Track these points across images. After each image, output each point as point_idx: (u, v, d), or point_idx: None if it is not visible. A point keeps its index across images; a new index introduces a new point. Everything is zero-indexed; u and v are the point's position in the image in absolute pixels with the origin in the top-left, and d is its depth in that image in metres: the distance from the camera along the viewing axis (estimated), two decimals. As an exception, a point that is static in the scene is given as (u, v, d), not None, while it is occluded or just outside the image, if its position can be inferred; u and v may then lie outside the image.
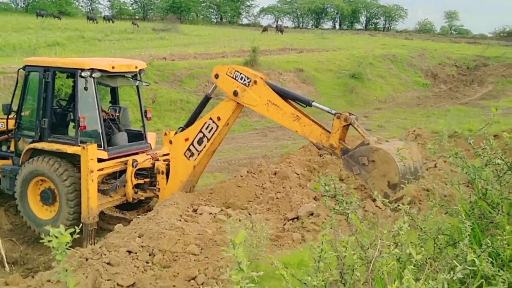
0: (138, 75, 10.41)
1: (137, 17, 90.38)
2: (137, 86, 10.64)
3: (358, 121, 7.87)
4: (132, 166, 9.75)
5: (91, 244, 9.08)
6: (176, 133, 9.68)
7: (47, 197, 9.52)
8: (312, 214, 7.18)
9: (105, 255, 5.80)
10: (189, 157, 9.23)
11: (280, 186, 8.80)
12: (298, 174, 9.36)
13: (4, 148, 10.87)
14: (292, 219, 7.21)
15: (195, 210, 7.80)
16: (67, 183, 9.15)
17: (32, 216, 9.66)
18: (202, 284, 5.33)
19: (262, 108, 8.54)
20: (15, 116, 10.31)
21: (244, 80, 8.65)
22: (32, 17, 66.31)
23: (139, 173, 9.92)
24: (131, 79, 10.38)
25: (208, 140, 9.02)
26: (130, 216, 10.81)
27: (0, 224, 10.50)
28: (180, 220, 7.12)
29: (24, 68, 10.03)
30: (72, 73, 9.65)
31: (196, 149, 9.16)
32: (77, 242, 9.28)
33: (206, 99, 9.61)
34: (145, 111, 10.80)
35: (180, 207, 7.68)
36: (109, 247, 6.07)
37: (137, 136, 10.62)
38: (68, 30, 51.33)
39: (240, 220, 5.41)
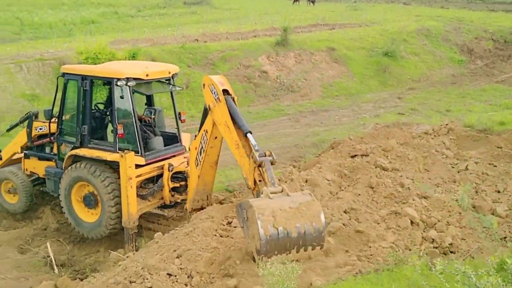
0: (172, 80, 10.70)
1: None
2: (171, 91, 10.94)
3: (274, 164, 7.58)
4: (168, 170, 10.18)
5: (132, 247, 9.65)
6: (193, 139, 9.95)
7: (90, 201, 10.05)
8: (333, 233, 7.41)
9: (147, 279, 6.24)
10: (197, 166, 9.53)
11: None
12: (329, 181, 9.57)
13: (47, 150, 11.44)
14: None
15: (229, 223, 8.16)
16: (108, 189, 9.64)
17: (77, 219, 10.23)
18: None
19: (222, 128, 8.54)
20: (56, 120, 10.79)
21: (216, 95, 8.69)
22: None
23: (175, 177, 10.33)
24: (165, 85, 10.69)
25: (205, 151, 9.23)
26: (168, 213, 11.31)
27: (47, 223, 11.17)
28: (215, 235, 7.48)
29: (63, 75, 10.44)
30: (108, 81, 10.03)
31: (199, 160, 9.43)
32: (119, 244, 9.88)
33: (206, 111, 9.34)
34: (179, 114, 11.13)
35: (215, 220, 8.04)
36: (151, 269, 6.49)
37: (172, 139, 11.00)
38: (102, 6, 51.81)
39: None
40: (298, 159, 14.98)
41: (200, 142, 9.29)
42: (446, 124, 12.66)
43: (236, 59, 25.11)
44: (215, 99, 8.68)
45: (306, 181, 9.34)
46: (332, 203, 8.22)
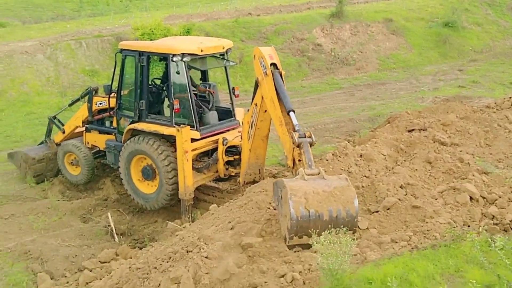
0: (226, 55, 10.75)
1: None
2: (225, 66, 11.00)
3: (314, 145, 7.48)
4: (223, 144, 10.31)
5: (188, 218, 9.91)
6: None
7: (148, 174, 10.35)
8: (388, 209, 7.31)
9: (203, 249, 6.40)
10: (248, 139, 9.59)
11: (366, 169, 8.94)
12: (384, 156, 9.42)
13: (107, 123, 11.83)
14: (374, 212, 7.40)
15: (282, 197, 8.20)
16: (165, 162, 9.89)
17: (136, 190, 10.57)
18: (291, 281, 5.76)
19: (268, 102, 8.51)
20: (115, 96, 11.11)
21: (264, 68, 8.66)
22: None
23: (229, 151, 10.47)
24: (219, 60, 10.76)
25: (255, 125, 9.24)
26: (222, 186, 11.52)
27: (108, 194, 11.63)
28: (269, 208, 7.56)
29: (121, 51, 10.69)
30: (164, 57, 10.19)
31: (250, 134, 9.48)
32: (176, 215, 10.17)
33: (257, 84, 9.29)
34: (233, 88, 11.19)
35: (269, 194, 8.09)
36: (206, 239, 6.66)
37: (226, 114, 11.11)
38: (157, -19, 52.32)
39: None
40: (353, 134, 14.82)
41: (251, 116, 9.34)
42: (510, 97, 12.10)
43: (289, 32, 24.84)
44: (264, 73, 8.66)
45: (361, 156, 9.22)
46: (387, 178, 8.08)
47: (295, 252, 6.36)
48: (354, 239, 6.02)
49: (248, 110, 9.74)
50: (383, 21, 27.51)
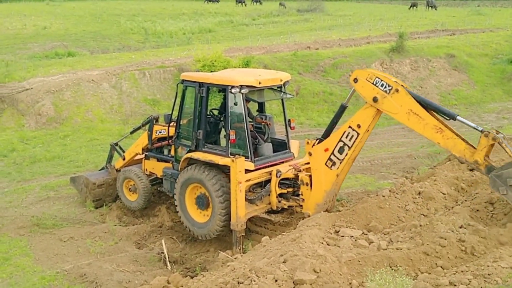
0: (283, 87, 10.84)
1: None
2: (282, 99, 11.08)
3: (506, 140, 7.77)
4: (276, 176, 10.29)
5: (239, 250, 9.89)
6: (314, 144, 9.97)
7: (202, 202, 10.46)
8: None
9: (254, 281, 6.34)
10: (331, 166, 9.56)
11: (424, 207, 8.66)
12: (444, 194, 9.09)
13: (165, 152, 12.13)
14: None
15: (337, 232, 8.06)
16: (219, 192, 9.97)
17: (189, 218, 10.68)
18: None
19: (403, 117, 8.71)
20: (174, 125, 11.40)
21: (385, 87, 8.81)
22: (190, 2, 70.85)
23: (282, 183, 10.42)
24: (277, 92, 10.85)
25: (350, 148, 9.29)
26: (274, 218, 11.45)
27: (163, 221, 11.82)
28: (322, 243, 7.43)
29: (182, 82, 11.00)
30: (223, 89, 10.39)
31: (338, 158, 9.46)
32: (227, 245, 10.18)
33: (343, 108, 9.83)
34: (289, 121, 11.22)
35: (322, 228, 7.98)
36: (258, 272, 6.60)
37: (281, 145, 11.12)
38: (219, 15, 54.05)
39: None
40: (411, 171, 14.43)
41: (340, 140, 9.37)
42: None
43: (347, 66, 24.83)
44: (385, 91, 8.78)
45: (419, 193, 8.95)
46: (446, 218, 7.77)
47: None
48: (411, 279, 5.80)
49: (315, 140, 9.83)
50: (445, 56, 27.06)
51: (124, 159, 12.92)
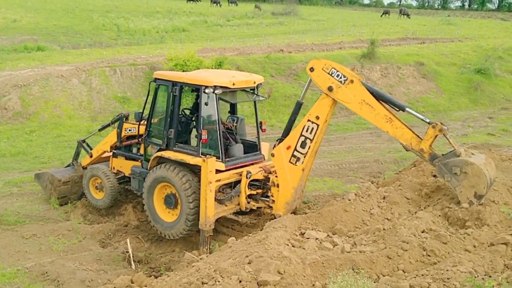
0: (256, 89, 10.89)
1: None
2: (254, 101, 11.12)
3: (449, 132, 8.76)
4: (246, 177, 10.32)
5: (206, 250, 9.88)
6: (274, 146, 10.17)
7: (170, 202, 10.41)
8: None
9: (218, 281, 6.36)
10: (296, 162, 9.86)
11: (388, 212, 8.80)
12: (408, 199, 9.27)
13: (134, 150, 12.01)
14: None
15: (302, 234, 8.14)
16: (188, 192, 9.94)
17: (156, 218, 10.61)
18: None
19: (356, 106, 9.26)
20: (145, 123, 11.31)
21: (341, 77, 9.30)
22: (165, 1, 70.34)
23: (252, 184, 10.47)
24: (249, 94, 10.89)
25: (312, 140, 9.67)
26: (242, 219, 11.49)
27: (128, 220, 11.70)
28: (287, 245, 7.49)
29: (154, 80, 10.92)
30: (197, 89, 10.38)
31: (301, 153, 9.80)
32: (193, 246, 10.15)
33: (299, 105, 10.23)
34: (261, 123, 11.28)
35: (288, 230, 8.04)
36: (223, 272, 6.61)
37: (252, 147, 11.17)
38: (193, 15, 53.84)
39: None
40: (378, 175, 14.67)
41: (301, 135, 9.68)
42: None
43: (320, 71, 25.00)
44: (340, 81, 9.24)
45: (384, 198, 9.11)
46: (409, 223, 7.93)
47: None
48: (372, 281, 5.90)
49: (277, 141, 10.08)
50: (415, 64, 27.59)
51: (91, 156, 12.75)
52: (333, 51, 28.43)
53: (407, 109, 9.07)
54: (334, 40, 32.89)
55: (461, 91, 26.20)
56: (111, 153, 12.28)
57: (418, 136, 8.86)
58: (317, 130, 9.57)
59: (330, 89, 9.34)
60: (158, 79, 10.81)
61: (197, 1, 68.50)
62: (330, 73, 9.39)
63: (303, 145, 9.71)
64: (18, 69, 21.72)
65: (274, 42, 31.86)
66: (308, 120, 9.63)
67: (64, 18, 45.07)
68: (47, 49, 30.28)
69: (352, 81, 9.19)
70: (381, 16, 58.66)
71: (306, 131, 9.66)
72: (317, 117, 9.54)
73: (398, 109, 9.18)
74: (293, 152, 9.80)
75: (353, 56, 27.14)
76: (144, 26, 43.23)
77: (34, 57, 25.06)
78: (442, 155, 8.68)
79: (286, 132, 10.17)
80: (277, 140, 10.25)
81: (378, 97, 9.20)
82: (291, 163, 9.86)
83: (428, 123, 8.73)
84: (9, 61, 23.37)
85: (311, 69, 9.63)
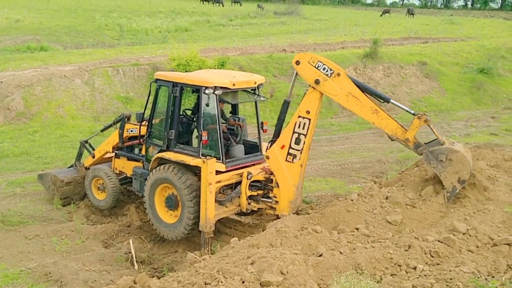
0: (257, 90, 10.88)
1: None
2: (255, 101, 11.11)
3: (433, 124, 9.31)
4: (247, 178, 10.30)
5: (207, 251, 9.87)
6: (267, 148, 10.17)
7: (171, 203, 10.40)
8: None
9: (221, 282, 6.34)
10: (293, 160, 9.89)
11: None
12: (411, 199, 9.24)
13: (136, 151, 12.02)
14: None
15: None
16: (189, 193, 9.92)
17: (158, 218, 10.60)
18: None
19: (342, 99, 9.46)
20: (146, 124, 11.32)
21: (327, 70, 9.43)
22: (168, 1, 70.33)
23: (253, 185, 10.45)
24: (250, 94, 10.88)
25: (305, 136, 9.74)
26: (244, 220, 11.49)
27: (131, 220, 11.71)
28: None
29: (155, 81, 10.92)
30: (197, 89, 10.36)
31: (297, 150, 9.85)
32: (196, 246, 10.15)
33: (287, 104, 10.28)
34: (262, 123, 11.28)
35: (291, 230, 8.02)
36: (225, 273, 6.60)
37: (253, 148, 11.15)
38: (196, 14, 53.85)
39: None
40: (380, 175, 14.64)
41: (294, 132, 9.72)
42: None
43: (322, 70, 24.97)
44: (327, 74, 9.36)
45: (387, 198, 9.08)
46: (409, 220, 7.94)
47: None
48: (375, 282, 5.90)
49: (270, 141, 10.13)
50: (417, 64, 27.54)
51: (93, 157, 12.76)
52: (336, 51, 28.40)
53: (391, 100, 9.55)
54: (336, 39, 32.86)
55: (464, 91, 26.15)
56: (113, 154, 12.29)
57: (402, 126, 9.24)
58: (309, 124, 9.65)
59: (317, 82, 9.46)
60: (159, 79, 10.80)
61: (219, 3, 67.01)
62: (317, 66, 9.49)
63: (297, 141, 9.78)
64: (21, 69, 21.75)
65: (276, 42, 31.84)
66: (299, 116, 9.71)
67: (67, 18, 45.15)
68: (50, 49, 30.31)
69: (338, 74, 9.35)
70: (381, 15, 58.50)
71: (299, 127, 9.73)
72: (308, 112, 9.63)
73: (383, 101, 9.62)
74: (289, 151, 9.83)
75: (356, 55, 27.10)
76: (146, 26, 43.30)
77: (37, 57, 25.09)
78: (425, 143, 9.13)
79: (277, 132, 10.18)
80: (269, 142, 10.26)
81: (364, 89, 9.47)
82: (288, 161, 9.88)
83: (413, 114, 9.15)
84: (12, 61, 23.41)
85: (297, 63, 9.73)
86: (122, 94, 21.50)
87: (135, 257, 9.97)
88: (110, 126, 12.75)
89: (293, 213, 9.87)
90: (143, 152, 11.59)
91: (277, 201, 10.14)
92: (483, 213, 8.47)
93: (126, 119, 12.04)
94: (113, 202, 11.93)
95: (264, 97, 11.35)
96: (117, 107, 20.59)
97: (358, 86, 9.42)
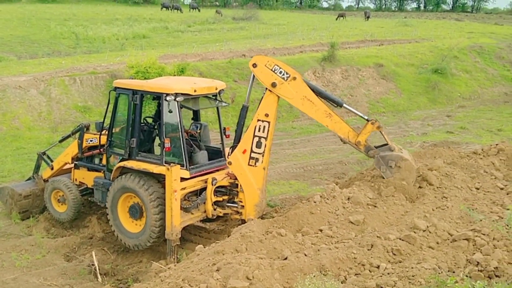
0: (218, 95, 10.89)
1: (218, 3, 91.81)
2: (217, 107, 11.12)
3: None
4: (212, 184, 10.30)
5: (173, 259, 9.79)
6: (229, 154, 10.25)
7: (135, 212, 10.28)
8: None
9: (187, 291, 6.31)
10: (255, 163, 10.01)
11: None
12: (370, 199, 9.44)
13: (96, 161, 11.81)
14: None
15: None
16: (154, 201, 9.84)
17: (121, 229, 10.46)
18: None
19: (297, 102, 9.75)
20: (106, 133, 11.14)
21: (283, 74, 9.68)
22: (125, 8, 69.36)
23: (218, 191, 10.45)
24: (212, 100, 10.88)
25: (266, 138, 9.91)
26: (209, 226, 11.44)
27: (93, 232, 11.49)
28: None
29: (114, 89, 10.78)
30: (158, 96, 10.29)
31: (259, 153, 10.00)
32: (161, 256, 10.05)
33: (246, 109, 10.40)
34: (224, 129, 11.31)
35: (256, 235, 8.05)
36: (191, 281, 6.57)
37: (216, 153, 11.16)
38: (153, 21, 53.26)
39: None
40: (342, 176, 14.87)
41: (255, 136, 9.85)
42: (496, 144, 12.26)
43: (282, 75, 25.18)
44: (283, 78, 9.59)
45: (349, 199, 9.25)
46: (371, 220, 8.10)
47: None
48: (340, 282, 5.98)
49: (231, 147, 10.23)
50: (374, 66, 28.12)
51: (52, 168, 12.46)
52: (295, 55, 28.70)
53: (344, 105, 9.91)
54: (295, 44, 33.20)
55: (420, 91, 26.87)
56: (72, 165, 12.04)
57: (354, 130, 9.73)
58: (269, 127, 9.82)
59: (273, 85, 9.65)
60: (118, 87, 10.67)
61: (178, 10, 66.40)
62: (273, 69, 9.71)
63: (258, 145, 9.92)
64: (-28, 81, 21.03)
65: (235, 47, 31.91)
66: (258, 120, 9.87)
67: (20, 27, 43.89)
68: (3, 59, 29.43)
69: (294, 78, 9.62)
70: (336, 19, 59.42)
71: (259, 131, 9.89)
72: (267, 115, 9.81)
73: (336, 105, 9.92)
74: (251, 155, 9.96)
75: (314, 59, 27.46)
76: (103, 33, 42.53)
77: (-10, 68, 24.32)
78: (375, 147, 9.69)
79: (238, 137, 10.28)
80: (230, 148, 10.34)
81: (318, 93, 9.75)
82: (251, 165, 9.99)
83: (367, 120, 9.64)
84: (-37, 73, 22.62)
85: (254, 65, 9.88)
86: (80, 103, 21.08)
87: (99, 269, 9.80)
88: (68, 136, 12.49)
89: (258, 217, 9.93)
90: (103, 161, 11.42)
91: (243, 206, 10.17)
92: (442, 210, 8.75)
93: (85, 129, 11.83)
94: (74, 214, 11.69)
95: (225, 103, 11.38)
96: (75, 117, 20.17)
97: (313, 90, 9.70)
